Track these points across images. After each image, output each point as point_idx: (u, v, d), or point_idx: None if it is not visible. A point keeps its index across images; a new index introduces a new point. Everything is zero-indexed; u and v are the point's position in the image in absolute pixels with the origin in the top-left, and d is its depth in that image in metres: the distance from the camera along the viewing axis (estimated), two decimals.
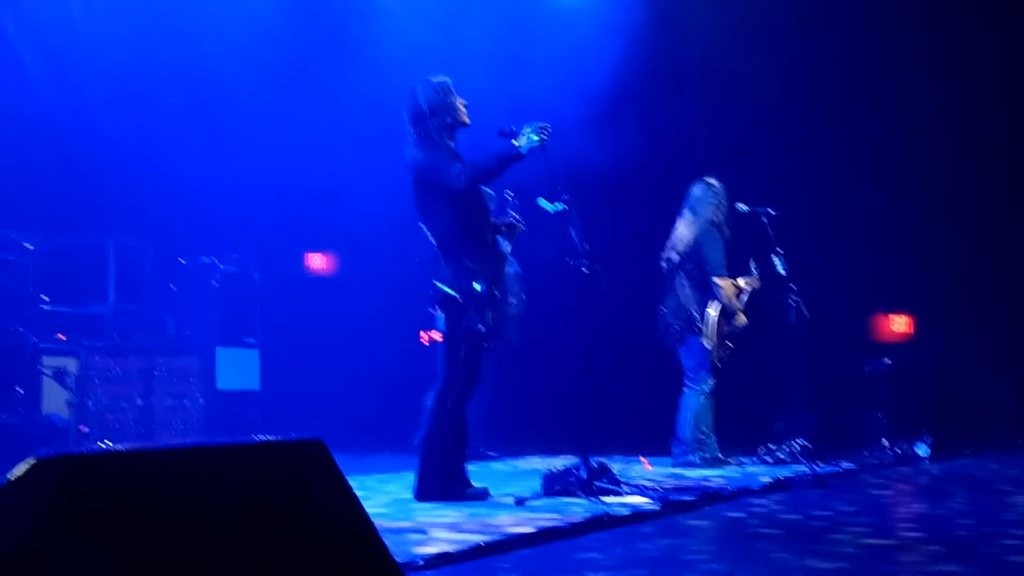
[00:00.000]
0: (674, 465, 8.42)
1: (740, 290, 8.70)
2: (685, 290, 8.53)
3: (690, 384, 8.54)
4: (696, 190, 8.71)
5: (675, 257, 8.57)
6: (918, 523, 5.73)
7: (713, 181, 8.75)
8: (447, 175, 6.06)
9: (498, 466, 8.71)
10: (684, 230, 8.59)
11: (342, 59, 10.86)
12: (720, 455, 8.46)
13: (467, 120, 6.29)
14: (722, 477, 7.66)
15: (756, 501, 6.49)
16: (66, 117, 9.73)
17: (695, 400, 8.49)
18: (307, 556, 2.72)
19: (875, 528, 5.33)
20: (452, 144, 6.26)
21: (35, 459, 2.35)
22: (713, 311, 8.48)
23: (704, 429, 8.48)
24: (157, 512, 2.46)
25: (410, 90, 6.26)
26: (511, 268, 9.45)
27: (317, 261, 12.33)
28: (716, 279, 8.50)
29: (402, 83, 6.51)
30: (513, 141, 5.96)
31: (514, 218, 6.49)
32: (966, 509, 6.09)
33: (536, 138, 5.90)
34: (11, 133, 9.57)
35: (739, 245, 9.00)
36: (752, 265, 8.76)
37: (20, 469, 2.34)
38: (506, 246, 6.44)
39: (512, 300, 9.41)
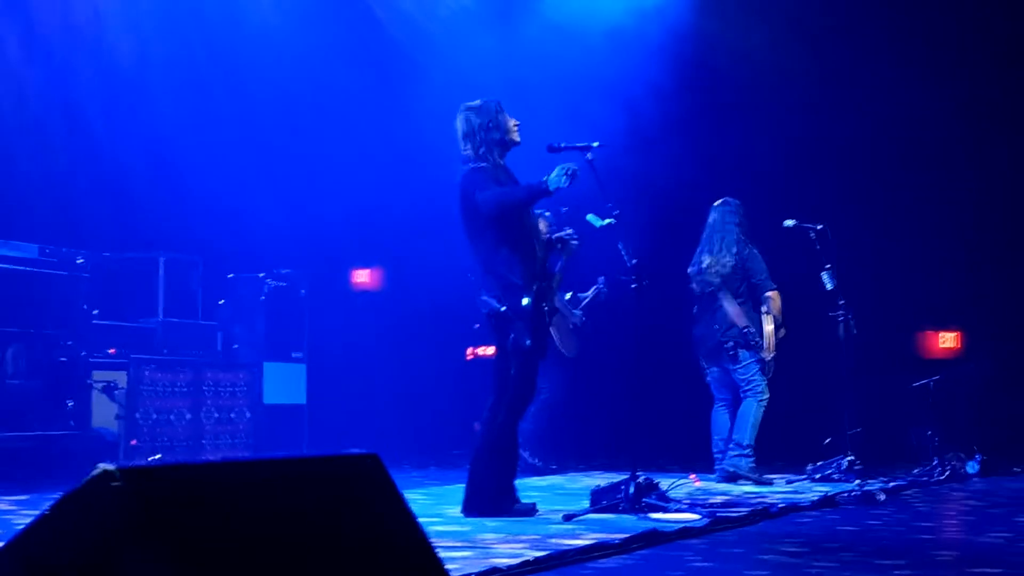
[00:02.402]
0: (724, 465, 8.47)
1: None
2: (735, 307, 8.57)
3: (751, 394, 8.56)
4: (717, 213, 8.82)
5: (716, 280, 8.62)
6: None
7: (728, 201, 8.84)
8: (477, 198, 6.09)
9: (545, 481, 8.69)
10: (721, 252, 8.64)
11: (390, 78, 10.94)
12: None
13: (518, 139, 6.32)
14: (770, 493, 7.62)
15: (805, 517, 6.45)
16: (117, 135, 9.84)
17: (757, 408, 8.53)
18: (363, 571, 2.73)
19: (929, 546, 5.28)
20: (501, 161, 6.27)
21: (96, 472, 2.37)
22: (769, 324, 8.54)
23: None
24: (215, 526, 2.47)
25: (461, 110, 6.30)
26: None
27: (363, 276, 12.39)
28: (769, 292, 8.58)
29: (450, 101, 6.55)
30: (544, 178, 5.98)
31: (568, 234, 6.48)
32: None
33: (564, 181, 5.92)
34: (63, 150, 9.69)
35: (787, 260, 8.99)
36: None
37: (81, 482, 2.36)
38: (558, 263, 6.45)
39: (576, 312, 9.43)
